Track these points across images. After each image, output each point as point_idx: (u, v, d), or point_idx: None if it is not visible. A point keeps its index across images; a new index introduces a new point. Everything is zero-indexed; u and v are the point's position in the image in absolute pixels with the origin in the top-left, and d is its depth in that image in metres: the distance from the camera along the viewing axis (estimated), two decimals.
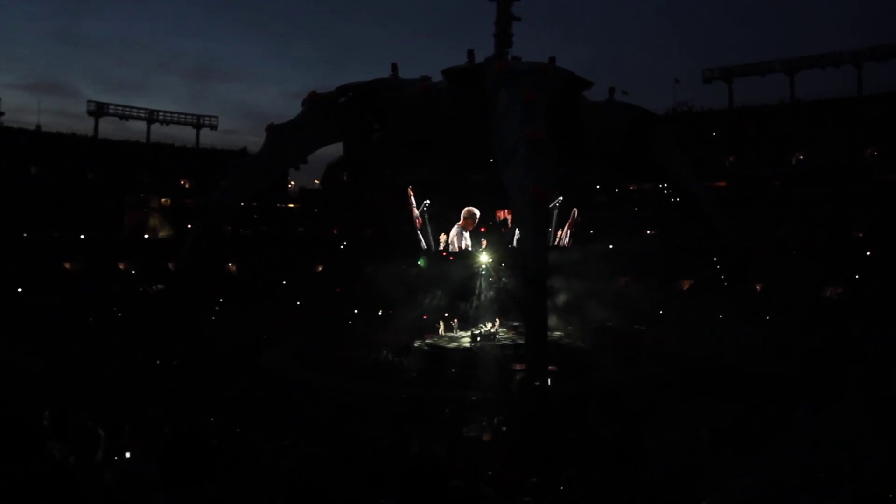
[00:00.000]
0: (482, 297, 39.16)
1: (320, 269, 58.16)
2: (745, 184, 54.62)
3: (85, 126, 70.75)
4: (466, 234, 36.07)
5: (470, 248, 36.28)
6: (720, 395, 22.65)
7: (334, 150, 34.04)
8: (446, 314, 39.76)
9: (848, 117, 52.54)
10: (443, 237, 35.78)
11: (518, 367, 28.96)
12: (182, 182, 63.63)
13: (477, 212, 35.84)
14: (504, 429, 20.34)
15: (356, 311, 45.94)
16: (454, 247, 35.93)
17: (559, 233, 36.66)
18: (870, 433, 10.77)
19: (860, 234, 48.53)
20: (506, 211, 35.85)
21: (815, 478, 9.07)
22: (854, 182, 50.50)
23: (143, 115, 63.79)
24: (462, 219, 35.85)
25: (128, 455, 6.72)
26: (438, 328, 38.53)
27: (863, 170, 51.58)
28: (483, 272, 38.48)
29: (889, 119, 50.55)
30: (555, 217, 35.79)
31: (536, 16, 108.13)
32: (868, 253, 46.12)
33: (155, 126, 64.54)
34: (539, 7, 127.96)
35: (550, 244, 33.78)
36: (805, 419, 13.36)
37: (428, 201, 35.15)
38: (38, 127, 58.05)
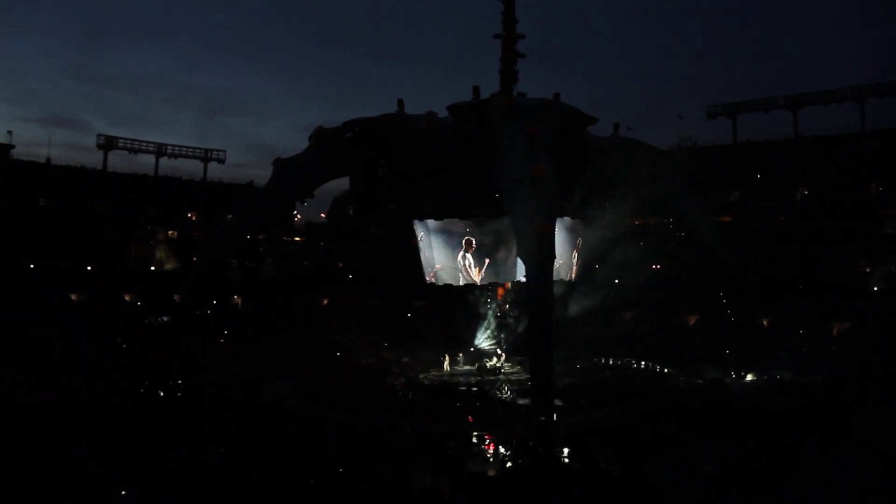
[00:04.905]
0: (487, 331, 39.03)
1: (325, 302, 58.15)
2: (749, 219, 54.62)
3: (94, 159, 71.92)
4: (469, 255, 34.64)
5: (472, 269, 34.70)
6: (727, 430, 22.44)
7: (340, 183, 34.31)
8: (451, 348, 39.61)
9: (851, 153, 52.66)
10: (437, 266, 34.74)
11: (522, 401, 28.78)
12: (189, 215, 63.98)
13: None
14: (508, 464, 20.13)
15: (361, 345, 45.74)
16: (464, 272, 34.55)
17: (572, 260, 35.71)
18: (876, 470, 10.68)
19: (867, 269, 48.32)
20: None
21: None
22: (858, 217, 50.50)
23: (151, 148, 64.48)
24: (464, 245, 34.56)
25: (128, 489, 6.73)
26: (443, 362, 38.38)
27: (866, 205, 51.60)
28: (489, 306, 38.39)
29: (892, 154, 50.68)
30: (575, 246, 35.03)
31: (541, 53, 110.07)
32: (875, 288, 45.90)
33: (163, 160, 65.36)
34: (544, 44, 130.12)
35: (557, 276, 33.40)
36: (811, 456, 13.24)
37: (422, 232, 34.30)
38: (48, 160, 58.63)
